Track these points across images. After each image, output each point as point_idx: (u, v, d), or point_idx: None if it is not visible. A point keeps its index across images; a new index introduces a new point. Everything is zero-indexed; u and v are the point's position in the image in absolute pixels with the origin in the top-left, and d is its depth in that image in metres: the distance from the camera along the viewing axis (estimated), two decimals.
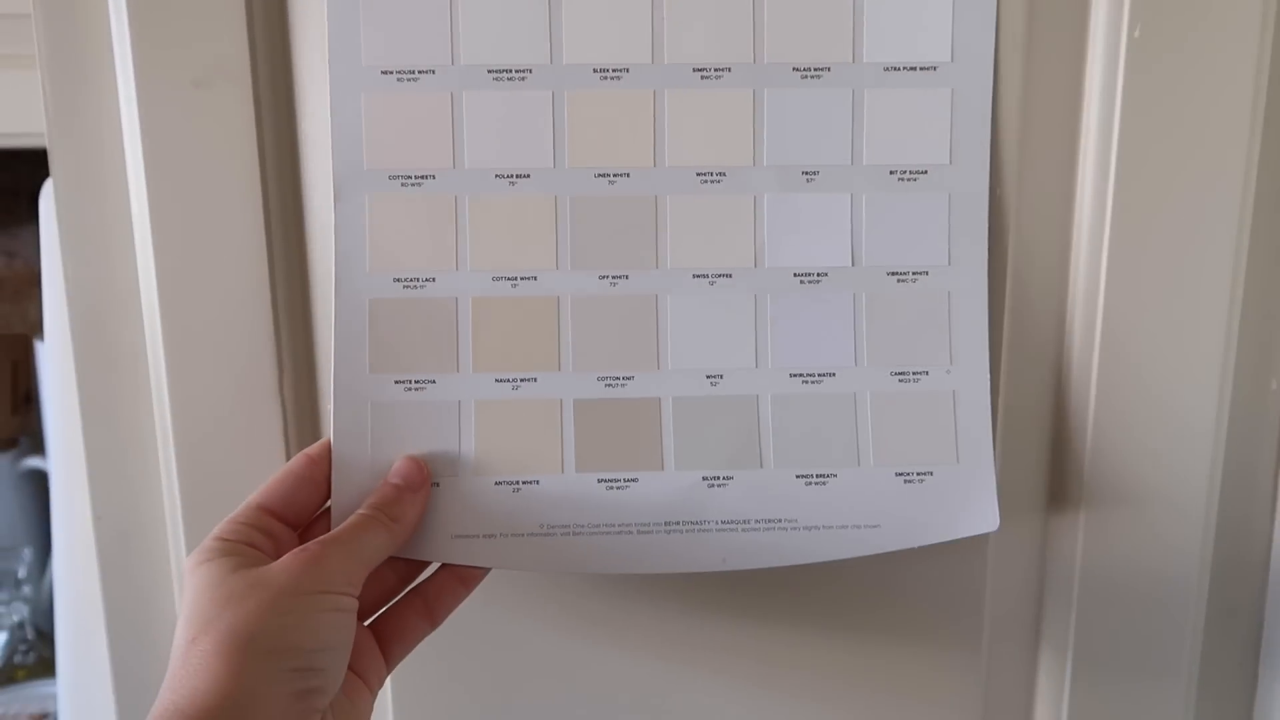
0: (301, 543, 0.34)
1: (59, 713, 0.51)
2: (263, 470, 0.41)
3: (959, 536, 0.40)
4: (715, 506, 0.39)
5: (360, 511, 0.36)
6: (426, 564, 0.39)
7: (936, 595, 0.44)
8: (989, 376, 0.40)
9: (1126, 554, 0.43)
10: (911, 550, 0.40)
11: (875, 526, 0.40)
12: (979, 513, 0.40)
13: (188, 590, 0.32)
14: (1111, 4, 0.39)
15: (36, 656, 0.90)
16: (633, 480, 0.39)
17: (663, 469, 0.39)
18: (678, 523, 0.39)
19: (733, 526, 0.39)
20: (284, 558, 0.33)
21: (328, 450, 0.38)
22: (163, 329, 0.41)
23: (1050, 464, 0.43)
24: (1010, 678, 0.46)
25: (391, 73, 0.38)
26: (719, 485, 0.39)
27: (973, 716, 0.45)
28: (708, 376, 0.40)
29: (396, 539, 0.36)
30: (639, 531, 0.39)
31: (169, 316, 0.41)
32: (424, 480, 0.38)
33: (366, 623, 0.37)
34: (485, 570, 0.39)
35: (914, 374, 0.40)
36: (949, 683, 0.45)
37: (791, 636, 0.44)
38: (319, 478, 0.37)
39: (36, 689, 0.86)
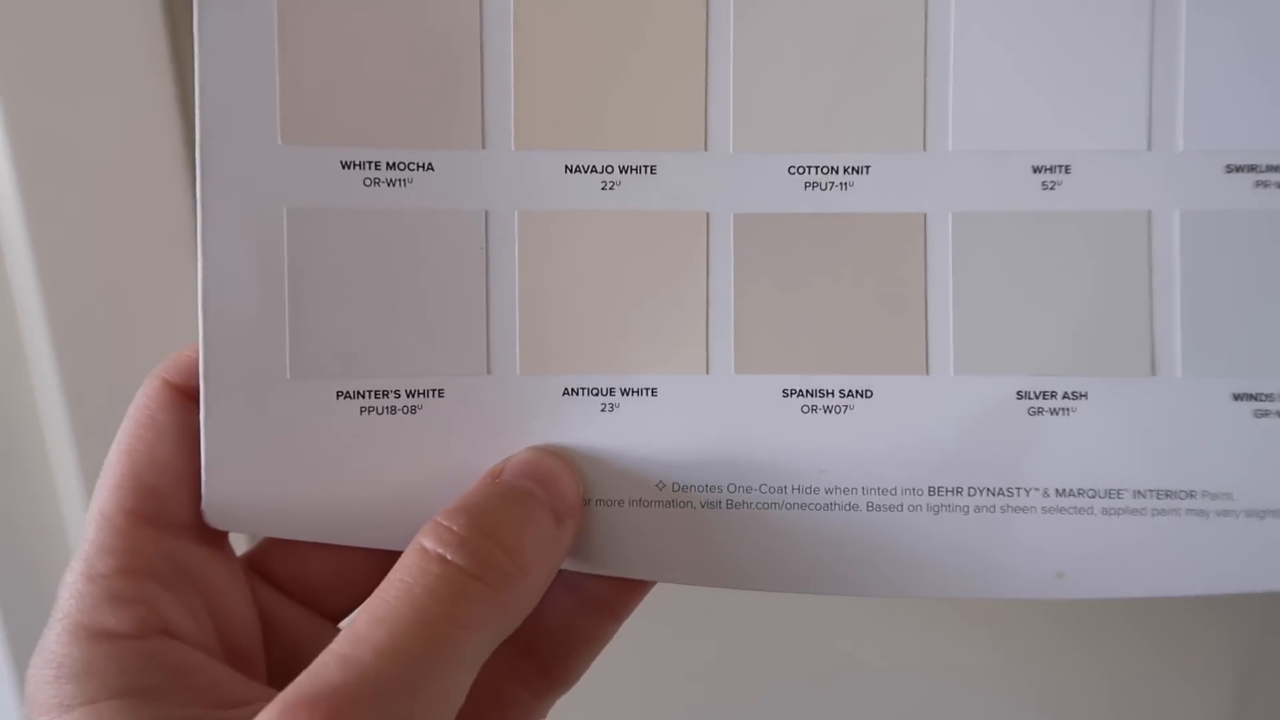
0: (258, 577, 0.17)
1: None
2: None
3: None
4: (1043, 457, 0.18)
5: (439, 551, 0.15)
6: None
7: None
8: None
9: None
10: None
11: None
12: None
13: None
14: None
15: None
16: (863, 395, 0.18)
17: (928, 372, 0.18)
18: (959, 490, 0.18)
19: (1079, 502, 0.18)
20: None
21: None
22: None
23: None
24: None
25: None
26: (1056, 412, 0.18)
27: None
28: (1035, 168, 0.18)
29: (519, 610, 0.16)
30: (872, 507, 0.18)
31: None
32: (575, 500, 0.17)
33: None
34: (646, 585, 0.18)
35: None
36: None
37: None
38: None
39: None
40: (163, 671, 0.15)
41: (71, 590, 0.15)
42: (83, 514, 0.31)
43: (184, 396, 0.17)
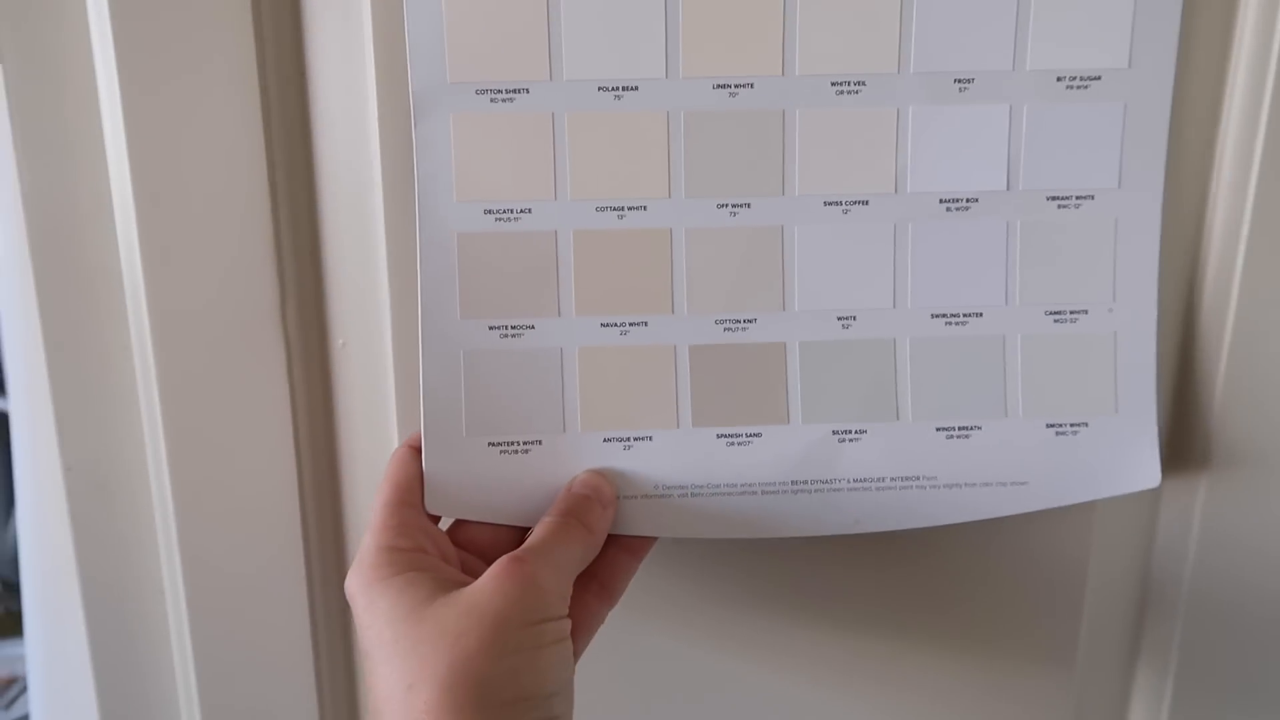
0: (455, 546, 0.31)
1: (29, 679, 0.46)
2: (260, 413, 0.35)
3: (1115, 494, 0.36)
4: (846, 463, 0.35)
5: (551, 518, 0.32)
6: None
7: (1036, 563, 0.40)
8: (1156, 316, 0.35)
9: (1243, 537, 0.39)
10: (1013, 520, 0.36)
11: (1022, 484, 0.36)
12: (1138, 468, 0.36)
13: (373, 614, 0.29)
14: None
15: (3, 609, 0.84)
16: (756, 435, 0.35)
17: (788, 422, 0.35)
18: (806, 482, 0.35)
19: (866, 485, 0.35)
20: (490, 576, 0.29)
21: None
22: (141, 248, 0.35)
23: (1172, 423, 0.39)
24: (1105, 679, 0.42)
25: None
26: (851, 440, 0.35)
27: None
28: (839, 318, 0.35)
29: (591, 551, 0.33)
30: (763, 492, 0.35)
31: (148, 233, 0.35)
32: (612, 496, 0.34)
33: None
34: (652, 539, 0.36)
35: (1071, 313, 0.35)
36: (1040, 679, 0.41)
37: (877, 602, 0.40)
38: None
39: (3, 649, 0.80)
40: (426, 566, 0.31)
41: (375, 533, 0.31)
42: (173, 543, 0.39)
43: (415, 452, 0.34)
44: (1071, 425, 0.36)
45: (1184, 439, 0.38)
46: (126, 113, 0.34)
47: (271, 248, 0.35)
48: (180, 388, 0.36)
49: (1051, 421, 0.36)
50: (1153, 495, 0.39)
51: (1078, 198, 0.35)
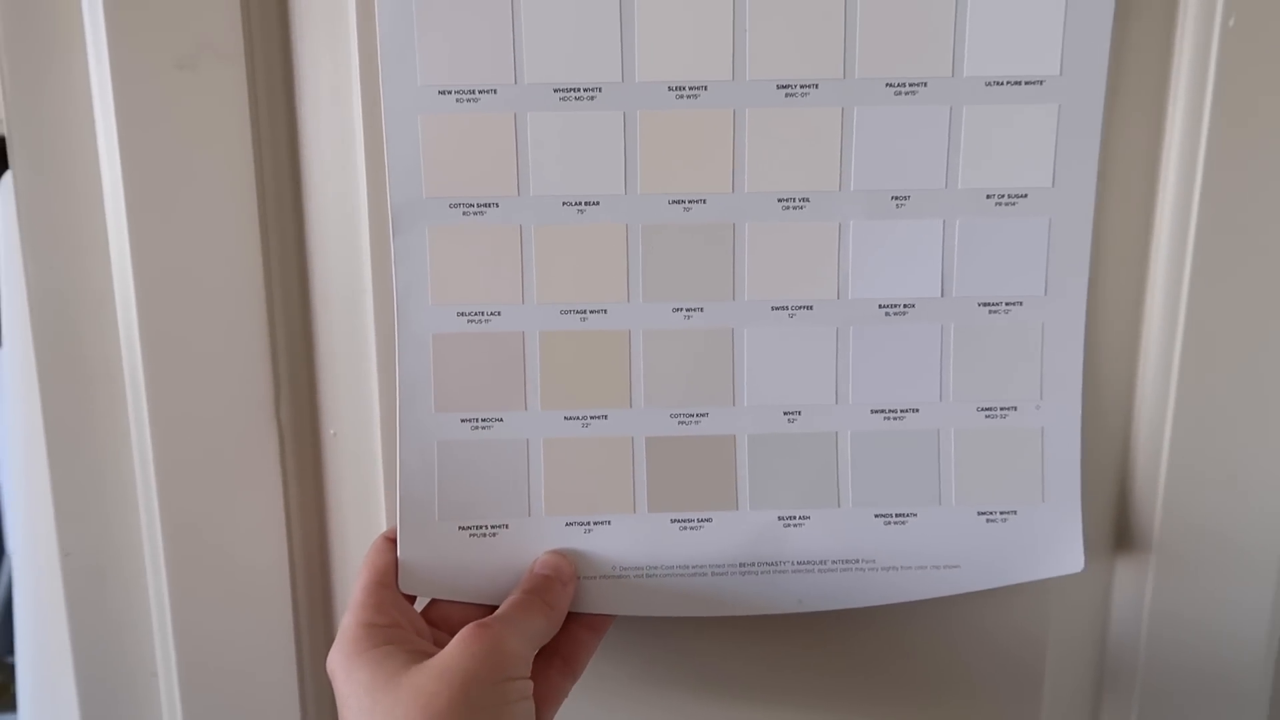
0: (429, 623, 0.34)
1: None
2: (253, 499, 0.37)
3: (1041, 577, 0.39)
4: (791, 547, 0.38)
5: (516, 595, 0.35)
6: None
7: (996, 644, 0.42)
8: (1079, 412, 0.38)
9: (1194, 614, 0.41)
10: (973, 595, 0.38)
11: (955, 567, 0.38)
12: (1063, 553, 0.39)
13: (353, 685, 0.31)
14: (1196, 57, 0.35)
15: None
16: (706, 520, 0.38)
17: (737, 508, 0.38)
18: (753, 564, 0.38)
19: (809, 567, 0.38)
20: (460, 641, 0.32)
21: None
22: (141, 341, 0.37)
23: (1118, 508, 0.41)
24: None
25: (450, 92, 0.35)
26: (795, 525, 0.38)
27: None
28: (785, 413, 0.38)
29: (553, 626, 0.35)
30: (714, 574, 0.38)
31: (149, 327, 0.37)
32: (572, 574, 0.37)
33: None
34: (612, 617, 0.38)
35: (1001, 410, 0.38)
36: None
37: (841, 683, 0.43)
38: None
39: None
40: (401, 640, 0.33)
41: (355, 611, 0.34)
42: (167, 626, 0.40)
43: (391, 543, 0.37)
44: (1001, 513, 0.38)
45: (1132, 521, 0.41)
46: (130, 216, 0.37)
47: (267, 344, 0.38)
48: (177, 475, 0.38)
49: (982, 509, 0.38)
50: (1105, 573, 0.42)
51: (1007, 304, 0.37)
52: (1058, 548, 0.39)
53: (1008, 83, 0.36)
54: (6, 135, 0.37)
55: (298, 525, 0.40)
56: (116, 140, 0.36)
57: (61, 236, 0.38)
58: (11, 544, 0.45)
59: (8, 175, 0.39)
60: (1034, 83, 0.36)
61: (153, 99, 0.35)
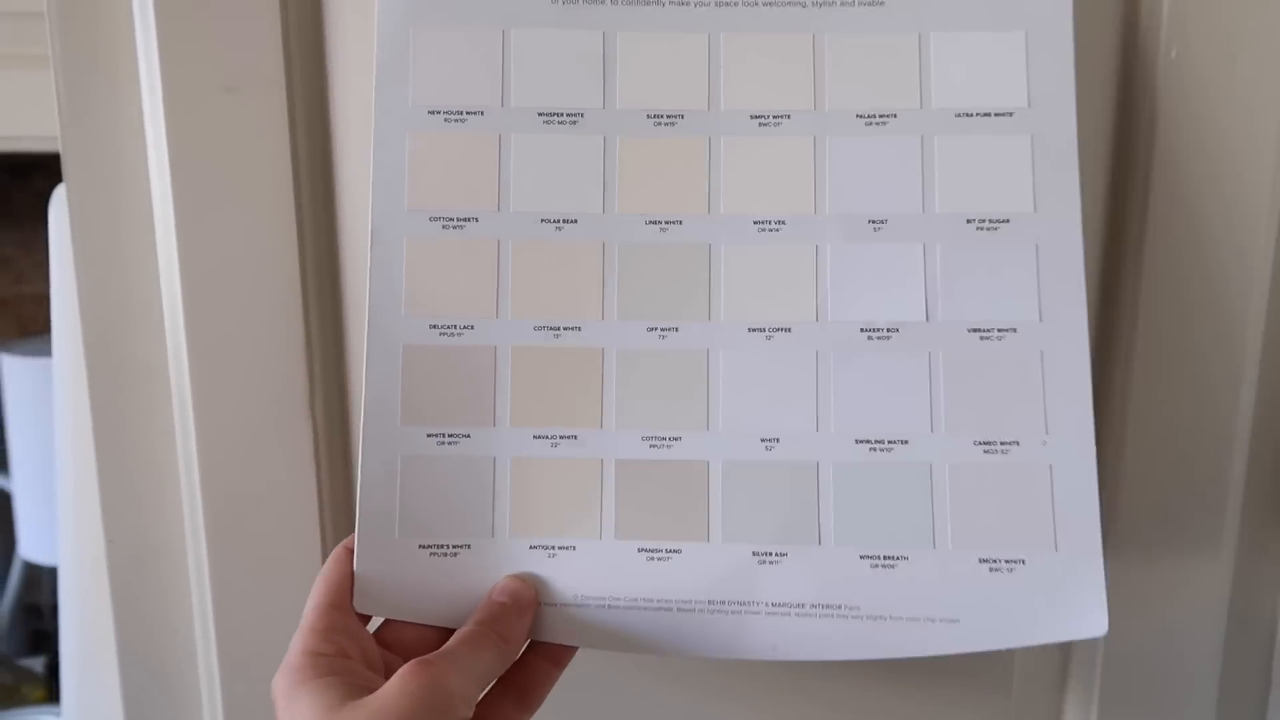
0: (380, 644, 0.33)
1: None
2: (290, 491, 0.38)
3: (1055, 640, 0.34)
4: (765, 586, 0.35)
5: (468, 628, 0.33)
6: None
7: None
8: (1094, 449, 0.35)
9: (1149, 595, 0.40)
10: None
11: (954, 621, 0.34)
12: (1082, 611, 0.34)
13: (293, 714, 0.30)
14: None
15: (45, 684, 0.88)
16: (675, 551, 0.35)
17: (709, 540, 0.35)
18: (723, 602, 0.35)
19: (784, 610, 0.35)
20: (397, 678, 0.30)
21: None
22: (187, 343, 0.40)
23: None
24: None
25: (439, 113, 0.37)
26: (770, 562, 0.35)
27: None
28: (762, 440, 0.36)
29: (506, 659, 0.34)
30: (680, 610, 0.35)
31: (194, 330, 0.40)
32: (532, 601, 0.35)
33: None
34: (574, 648, 0.36)
35: (1003, 444, 0.35)
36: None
37: (812, 667, 0.40)
38: None
39: (40, 716, 0.83)
40: (344, 671, 0.32)
41: (302, 635, 0.33)
42: (208, 613, 0.42)
43: (349, 552, 0.36)
44: (1007, 561, 0.34)
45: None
46: (179, 226, 0.40)
47: (302, 345, 0.40)
48: (218, 469, 0.40)
49: (985, 556, 0.35)
50: None
51: (1000, 330, 0.35)
52: (1075, 603, 0.34)
53: (977, 114, 0.36)
54: (62, 152, 0.41)
55: (329, 516, 0.41)
56: (167, 156, 0.39)
57: (112, 246, 0.42)
58: (61, 540, 0.47)
59: (61, 188, 0.43)
60: (1004, 114, 0.36)
61: (201, 119, 0.39)
